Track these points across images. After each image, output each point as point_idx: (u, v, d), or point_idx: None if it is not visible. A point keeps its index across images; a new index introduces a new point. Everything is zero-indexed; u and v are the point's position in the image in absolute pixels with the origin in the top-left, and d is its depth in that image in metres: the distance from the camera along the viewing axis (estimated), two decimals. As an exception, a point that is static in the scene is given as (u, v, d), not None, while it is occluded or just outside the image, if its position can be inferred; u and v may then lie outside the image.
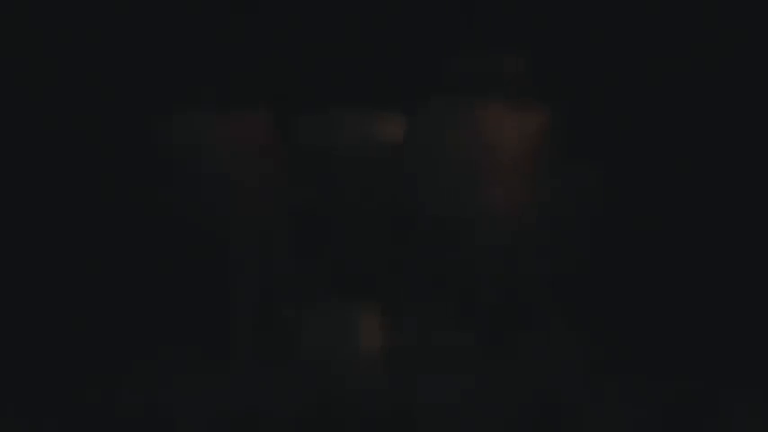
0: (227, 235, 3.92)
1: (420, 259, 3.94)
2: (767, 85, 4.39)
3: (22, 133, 4.20)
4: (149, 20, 4.14)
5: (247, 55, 4.22)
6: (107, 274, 3.97)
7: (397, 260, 3.96)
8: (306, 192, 3.99)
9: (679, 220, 4.44)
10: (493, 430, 3.81)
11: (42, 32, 4.22)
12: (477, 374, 3.97)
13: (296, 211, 4.02)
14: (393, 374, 3.93)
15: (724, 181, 4.47)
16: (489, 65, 4.23)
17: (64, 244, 4.10)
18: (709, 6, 4.38)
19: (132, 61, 4.19)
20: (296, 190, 3.98)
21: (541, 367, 3.97)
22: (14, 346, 4.17)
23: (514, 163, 3.99)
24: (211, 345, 4.10)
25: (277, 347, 4.15)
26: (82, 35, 4.13)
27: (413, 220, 3.94)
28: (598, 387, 3.98)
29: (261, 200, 3.94)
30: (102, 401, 3.76)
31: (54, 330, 4.17)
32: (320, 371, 4.03)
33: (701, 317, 4.41)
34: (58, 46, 4.18)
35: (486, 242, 4.00)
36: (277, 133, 4.06)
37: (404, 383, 3.93)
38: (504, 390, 3.94)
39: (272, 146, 4.04)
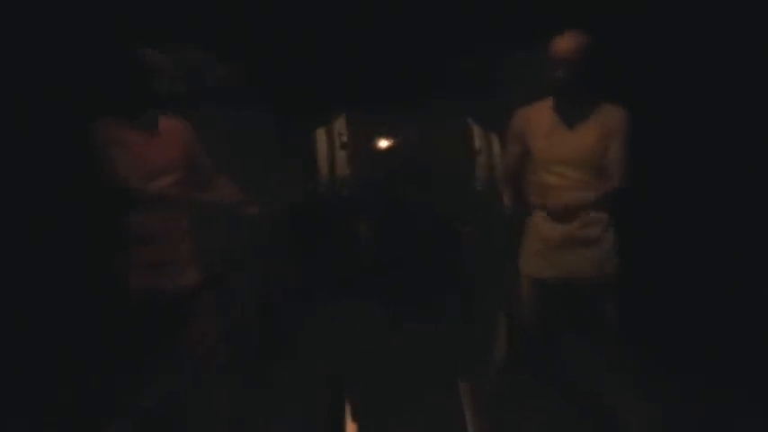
0: (226, 234, 3.91)
1: (422, 259, 3.92)
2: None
3: (24, 134, 4.20)
4: (158, 18, 4.14)
5: (251, 55, 4.22)
6: (104, 274, 3.95)
7: (399, 259, 3.95)
8: (307, 192, 3.98)
9: (681, 224, 4.44)
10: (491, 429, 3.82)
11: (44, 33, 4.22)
12: (477, 372, 3.96)
13: (296, 210, 4.01)
14: (395, 373, 3.92)
15: (725, 185, 4.48)
16: (489, 66, 4.22)
17: (66, 242, 4.09)
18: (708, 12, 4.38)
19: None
20: (297, 190, 3.97)
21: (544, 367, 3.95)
22: (15, 347, 4.17)
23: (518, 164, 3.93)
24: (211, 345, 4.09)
25: (277, 347, 4.15)
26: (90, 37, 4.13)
27: (414, 220, 3.93)
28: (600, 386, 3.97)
29: (261, 200, 3.93)
30: (103, 401, 3.75)
31: (56, 330, 4.16)
32: (321, 368, 4.03)
33: (702, 317, 4.42)
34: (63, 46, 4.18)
35: (487, 242, 3.97)
36: (278, 133, 4.06)
37: (405, 382, 3.92)
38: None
39: (273, 146, 4.03)
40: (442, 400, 3.90)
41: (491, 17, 4.39)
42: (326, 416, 3.94)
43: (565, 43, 3.52)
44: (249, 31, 4.34)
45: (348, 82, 4.36)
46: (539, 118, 3.70)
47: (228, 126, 4.04)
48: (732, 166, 4.49)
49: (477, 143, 3.96)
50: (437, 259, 3.98)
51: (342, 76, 4.38)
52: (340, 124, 4.01)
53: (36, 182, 4.20)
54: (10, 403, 4.04)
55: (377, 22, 4.39)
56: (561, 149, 3.62)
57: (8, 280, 4.20)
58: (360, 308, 3.89)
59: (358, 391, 3.94)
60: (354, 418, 3.89)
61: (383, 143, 4.01)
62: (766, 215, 4.45)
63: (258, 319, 4.17)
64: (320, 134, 4.02)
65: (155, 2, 4.21)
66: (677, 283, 4.42)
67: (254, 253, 3.99)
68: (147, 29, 3.85)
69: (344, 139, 3.96)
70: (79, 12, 4.22)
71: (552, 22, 3.69)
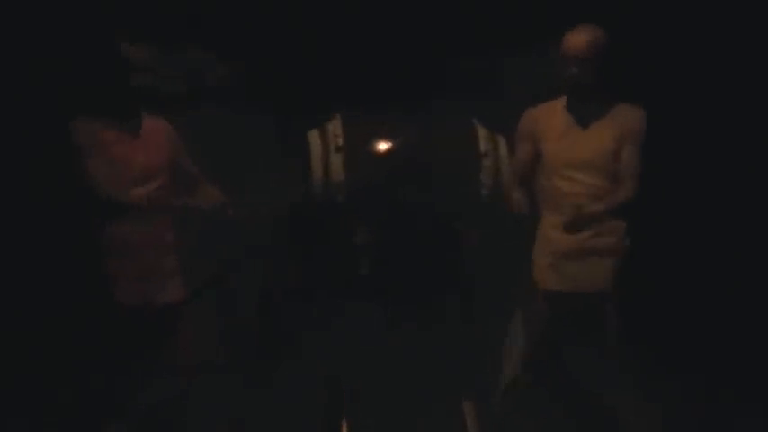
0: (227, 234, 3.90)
1: (422, 258, 3.89)
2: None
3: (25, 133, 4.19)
4: (158, 18, 4.13)
5: (251, 55, 4.22)
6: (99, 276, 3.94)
7: (397, 267, 3.91)
8: (307, 192, 3.92)
9: (681, 224, 4.44)
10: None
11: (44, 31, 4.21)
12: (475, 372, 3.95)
13: (294, 211, 4.00)
14: (395, 372, 3.91)
15: (725, 184, 4.48)
16: (491, 66, 4.19)
17: (65, 243, 4.09)
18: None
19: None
20: (297, 190, 3.95)
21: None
22: (15, 347, 4.16)
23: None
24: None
25: (277, 347, 4.15)
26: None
27: (414, 226, 3.88)
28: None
29: (259, 200, 3.93)
30: (103, 401, 3.76)
31: (56, 331, 4.16)
32: (320, 368, 4.02)
33: (702, 317, 4.41)
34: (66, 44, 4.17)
35: (493, 250, 3.89)
36: (278, 133, 4.06)
37: (404, 383, 3.91)
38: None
39: (272, 146, 4.03)
40: (442, 401, 3.90)
41: (492, 16, 4.38)
42: (325, 416, 3.93)
43: (580, 38, 3.30)
44: (249, 31, 4.33)
45: (348, 81, 4.35)
46: (550, 118, 3.47)
47: (228, 126, 4.04)
48: (731, 164, 4.48)
49: (483, 145, 3.81)
50: (437, 266, 3.90)
51: (341, 75, 4.37)
52: (335, 126, 3.87)
53: (32, 181, 4.18)
54: (10, 403, 4.04)
55: (377, 22, 4.38)
56: (575, 152, 3.39)
57: (8, 280, 4.20)
58: (359, 308, 3.88)
59: (357, 391, 3.93)
60: (353, 419, 3.89)
61: (381, 145, 3.87)
62: (766, 215, 4.44)
63: (258, 319, 4.17)
64: (314, 136, 3.87)
65: (155, 2, 4.20)
66: (677, 283, 4.41)
67: (254, 253, 3.98)
68: (148, 29, 3.84)
69: (340, 141, 3.82)
70: (76, 11, 4.20)
71: (553, 21, 3.69)
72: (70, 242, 3.99)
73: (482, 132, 3.87)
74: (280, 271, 4.11)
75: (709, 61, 4.42)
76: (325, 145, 3.84)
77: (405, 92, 4.18)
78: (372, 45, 4.37)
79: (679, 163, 4.41)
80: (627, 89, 3.57)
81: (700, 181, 4.45)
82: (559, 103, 3.50)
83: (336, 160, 3.82)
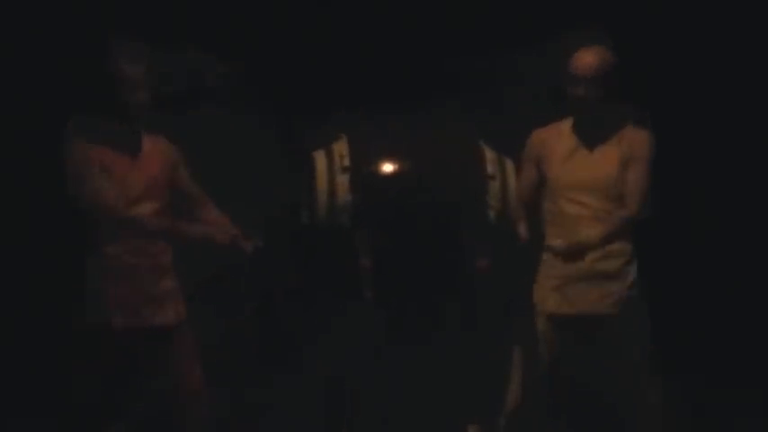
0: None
1: (421, 259, 3.89)
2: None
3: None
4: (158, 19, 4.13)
5: (250, 57, 4.22)
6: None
7: (399, 260, 3.92)
8: (312, 214, 3.88)
9: (681, 223, 4.44)
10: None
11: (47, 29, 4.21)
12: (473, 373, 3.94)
13: (297, 211, 4.00)
14: (395, 372, 3.92)
15: (724, 183, 4.48)
16: (489, 66, 4.19)
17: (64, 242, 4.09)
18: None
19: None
20: (297, 190, 3.95)
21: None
22: (15, 347, 4.17)
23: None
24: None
25: (277, 347, 4.15)
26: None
27: (414, 220, 3.89)
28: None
29: (261, 200, 3.93)
30: (103, 402, 3.76)
31: (56, 331, 4.16)
32: (321, 369, 4.03)
33: (702, 317, 4.42)
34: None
35: (500, 273, 3.88)
36: (278, 134, 4.06)
37: (405, 381, 3.91)
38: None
39: (273, 147, 4.03)
40: (443, 402, 3.91)
41: (492, 16, 4.38)
42: (327, 417, 3.94)
43: (588, 59, 3.22)
44: (249, 31, 4.33)
45: (348, 82, 4.35)
46: (556, 140, 3.41)
47: (228, 126, 4.04)
48: (731, 164, 4.49)
49: (490, 168, 3.79)
50: (443, 289, 3.89)
51: (342, 76, 4.37)
52: (340, 146, 3.84)
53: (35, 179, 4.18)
54: (10, 403, 4.05)
55: (377, 22, 4.38)
56: (581, 174, 3.33)
57: (8, 281, 4.20)
58: (361, 309, 3.88)
59: (358, 392, 3.93)
60: (354, 420, 3.89)
61: (387, 167, 3.85)
62: (766, 215, 4.45)
63: (259, 320, 4.17)
64: (319, 157, 3.82)
65: (155, 2, 4.20)
66: (677, 283, 4.41)
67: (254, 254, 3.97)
68: (148, 29, 3.84)
69: (346, 162, 3.78)
70: (75, 13, 4.20)
71: (552, 21, 3.69)
72: (74, 251, 3.96)
73: (489, 154, 3.84)
74: (280, 271, 4.11)
75: (708, 63, 4.43)
76: (330, 165, 3.80)
77: (405, 92, 4.19)
78: (372, 45, 4.37)
79: (676, 162, 4.42)
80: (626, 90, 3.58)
81: (698, 181, 4.46)
82: (565, 125, 3.45)
83: (342, 181, 3.79)
